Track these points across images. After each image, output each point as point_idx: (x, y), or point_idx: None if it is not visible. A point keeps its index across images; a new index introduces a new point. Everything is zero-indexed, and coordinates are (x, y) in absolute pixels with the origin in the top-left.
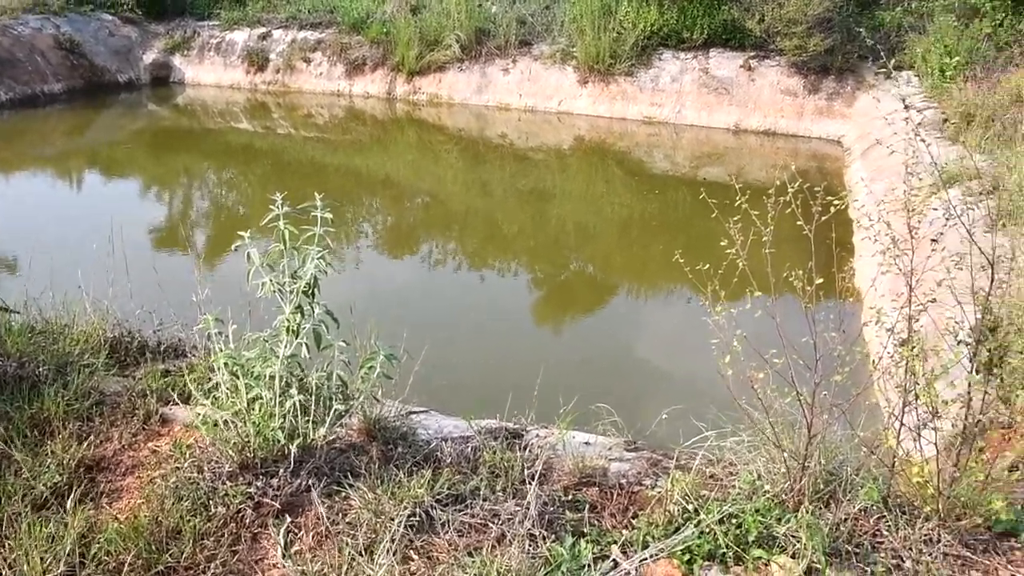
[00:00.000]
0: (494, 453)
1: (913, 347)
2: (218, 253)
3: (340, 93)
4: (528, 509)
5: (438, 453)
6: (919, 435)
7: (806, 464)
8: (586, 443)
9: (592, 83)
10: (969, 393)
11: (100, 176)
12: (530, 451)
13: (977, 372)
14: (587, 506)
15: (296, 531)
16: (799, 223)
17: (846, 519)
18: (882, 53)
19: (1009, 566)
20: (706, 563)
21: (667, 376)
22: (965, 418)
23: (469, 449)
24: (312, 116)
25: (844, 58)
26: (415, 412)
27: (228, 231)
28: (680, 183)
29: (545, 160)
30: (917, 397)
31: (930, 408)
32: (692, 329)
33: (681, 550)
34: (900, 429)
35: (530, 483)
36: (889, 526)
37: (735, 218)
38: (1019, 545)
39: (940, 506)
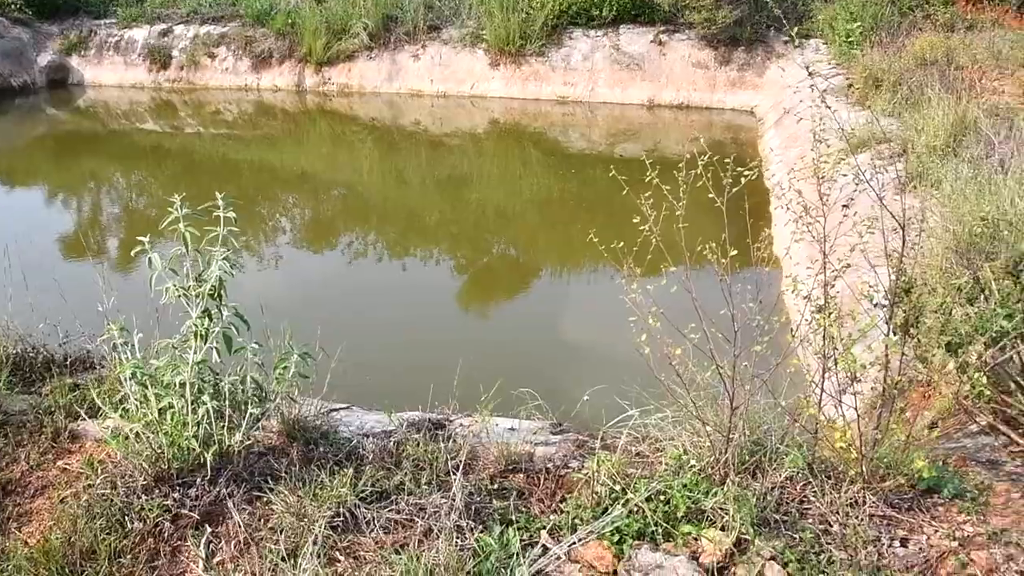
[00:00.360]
0: (417, 446)
1: (829, 313)
2: (127, 260)
3: (248, 88)
4: (454, 501)
5: (360, 450)
6: (840, 400)
7: (730, 436)
8: (511, 429)
9: (504, 65)
10: (886, 355)
11: None
12: (454, 441)
13: (894, 334)
14: (514, 493)
15: (217, 541)
16: (711, 196)
17: (773, 488)
18: (785, 23)
19: (933, 522)
20: (636, 542)
21: (591, 356)
22: (884, 380)
23: (392, 444)
24: (221, 113)
25: (753, 29)
26: (336, 409)
27: (137, 236)
28: (597, 161)
29: (461, 145)
30: (836, 363)
31: (848, 373)
32: (615, 307)
33: (610, 531)
34: (821, 395)
35: (455, 474)
36: (816, 492)
37: (647, 194)
38: (942, 501)
39: (863, 469)
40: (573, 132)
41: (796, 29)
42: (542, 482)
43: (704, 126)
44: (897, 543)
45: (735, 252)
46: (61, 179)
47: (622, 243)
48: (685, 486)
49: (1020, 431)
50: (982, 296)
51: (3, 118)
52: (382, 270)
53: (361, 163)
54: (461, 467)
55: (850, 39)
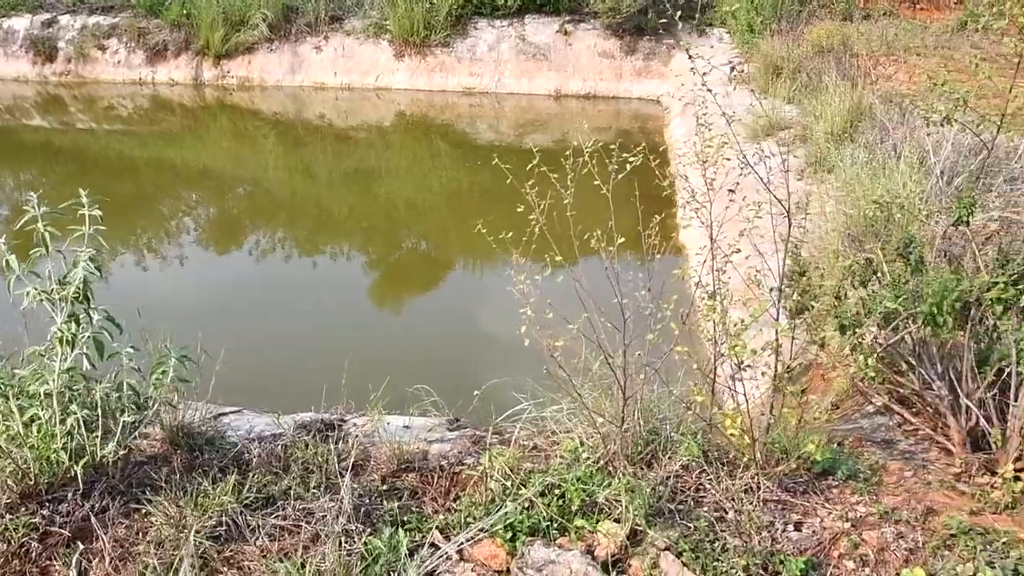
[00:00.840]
0: (306, 448)
1: (721, 299)
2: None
3: (143, 81)
4: (342, 504)
5: (246, 455)
6: (732, 387)
7: (624, 427)
8: (405, 427)
9: (409, 56)
10: (776, 340)
11: None
12: (345, 442)
13: (786, 319)
14: (407, 493)
15: (91, 558)
16: (599, 186)
17: (668, 478)
18: (672, 17)
19: (827, 504)
20: (529, 538)
21: (495, 350)
22: (775, 366)
23: (279, 447)
24: (114, 108)
25: (658, 18)
26: (225, 413)
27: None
28: (506, 152)
29: (368, 139)
30: (731, 349)
31: (735, 360)
32: (514, 300)
33: (502, 528)
34: (713, 383)
35: (343, 476)
36: (711, 480)
37: (531, 182)
38: (836, 483)
39: (756, 454)
40: (481, 123)
41: (700, 18)
42: (435, 480)
43: (612, 116)
44: (791, 527)
45: (623, 240)
46: None
47: (511, 233)
48: (579, 479)
49: (913, 410)
50: (874, 278)
51: None
52: (287, 268)
53: (265, 159)
54: (350, 469)
55: (752, 28)
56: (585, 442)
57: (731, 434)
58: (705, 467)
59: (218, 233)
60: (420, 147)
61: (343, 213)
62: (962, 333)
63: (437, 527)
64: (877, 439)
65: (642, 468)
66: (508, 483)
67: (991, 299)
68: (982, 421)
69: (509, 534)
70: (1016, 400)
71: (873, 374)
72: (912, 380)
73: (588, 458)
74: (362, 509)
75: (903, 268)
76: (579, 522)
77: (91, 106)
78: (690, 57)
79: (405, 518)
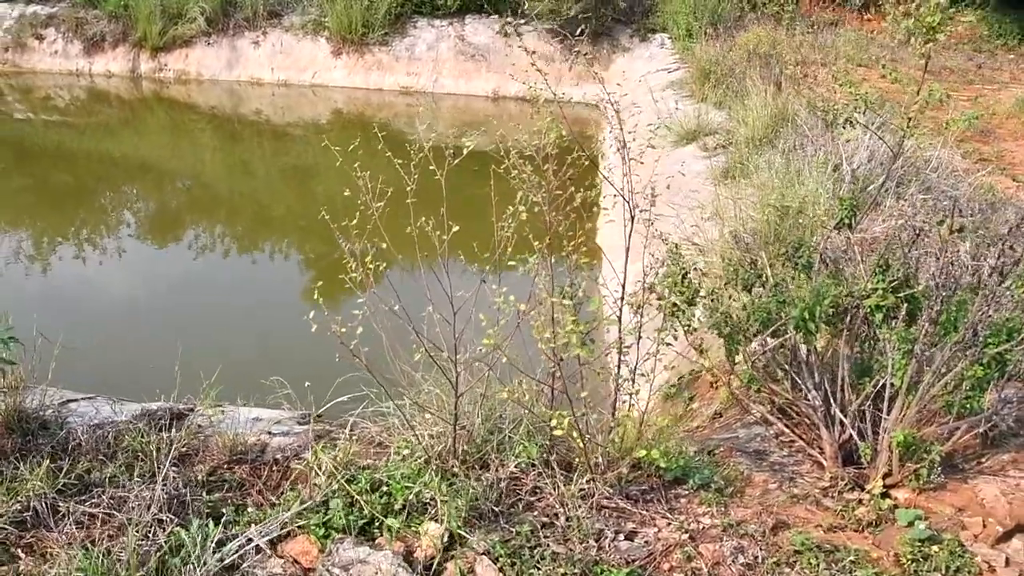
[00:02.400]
0: (138, 436)
1: (563, 296)
2: None
3: (80, 72)
4: (154, 493)
5: (78, 441)
6: (558, 388)
7: (456, 425)
8: (255, 419)
9: (347, 54)
10: (620, 341)
11: None
12: (179, 431)
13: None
14: (234, 485)
15: None
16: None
17: (501, 480)
18: (613, 21)
19: (669, 514)
20: (339, 536)
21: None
22: (616, 368)
23: (111, 434)
24: (51, 98)
25: (599, 22)
26: (76, 400)
27: None
28: (444, 153)
29: (304, 136)
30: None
31: (554, 360)
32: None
33: (316, 524)
34: (553, 383)
35: (161, 466)
36: (548, 484)
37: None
38: (686, 492)
39: (588, 458)
40: (418, 123)
41: (643, 22)
42: (266, 474)
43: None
44: (622, 536)
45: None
46: None
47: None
48: (405, 476)
49: (792, 419)
50: (758, 282)
51: None
52: (207, 263)
53: (202, 153)
54: (170, 458)
55: (691, 32)
56: (423, 439)
57: (558, 435)
58: (543, 470)
59: (146, 227)
60: (357, 146)
61: (278, 211)
62: (840, 341)
63: (253, 521)
64: (750, 449)
65: (475, 468)
66: (337, 479)
67: (870, 306)
68: (853, 434)
69: (321, 531)
70: (888, 413)
71: (748, 382)
72: (786, 389)
73: (420, 455)
74: (181, 499)
75: (794, 273)
76: (390, 522)
77: (27, 96)
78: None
79: (224, 510)
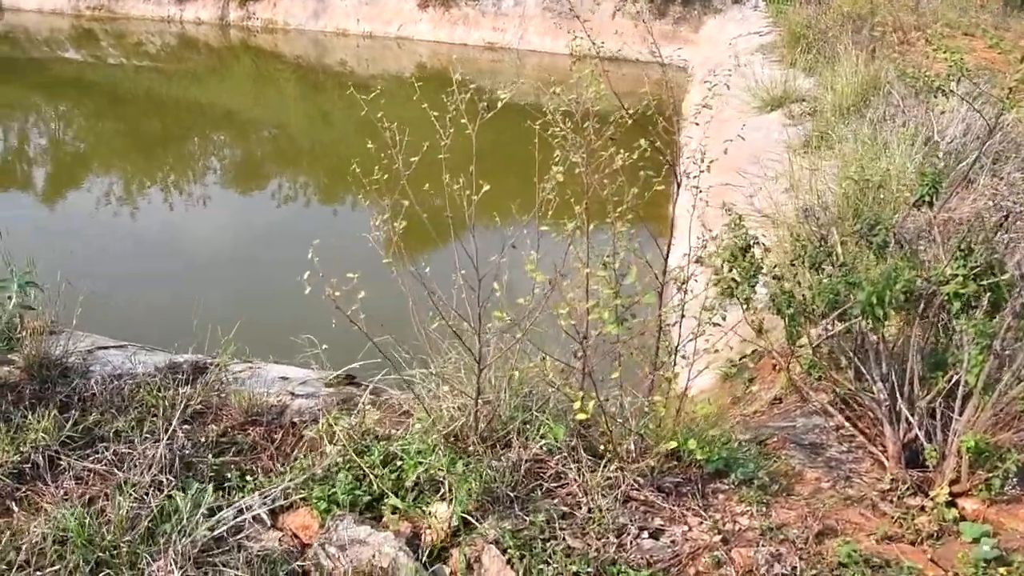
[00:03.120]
0: (153, 390)
1: (603, 266)
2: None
3: (171, 19)
4: (156, 452)
5: (92, 392)
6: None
7: (479, 399)
8: (282, 377)
9: (433, 7)
10: (660, 319)
11: None
12: (201, 387)
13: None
14: (246, 448)
15: None
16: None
17: (524, 461)
18: None
19: (704, 511)
20: (341, 512)
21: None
22: (655, 350)
23: (126, 387)
24: (143, 44)
25: None
26: (106, 347)
27: (66, 168)
28: (527, 112)
29: (388, 89)
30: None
31: (576, 339)
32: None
33: (319, 497)
34: (585, 362)
35: (170, 424)
36: (574, 470)
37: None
38: (726, 487)
39: (616, 447)
40: (501, 80)
41: None
42: (280, 438)
43: (635, 80)
44: (647, 534)
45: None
46: None
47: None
48: (420, 452)
49: (855, 412)
50: (827, 261)
51: None
52: (288, 214)
53: (286, 103)
54: (181, 415)
55: None
56: (448, 412)
57: (581, 419)
58: (569, 455)
59: (230, 175)
60: (439, 101)
61: (355, 163)
62: (914, 330)
63: (256, 489)
64: (806, 442)
65: (496, 448)
66: (350, 448)
67: (948, 294)
68: (919, 433)
69: (324, 504)
70: (960, 414)
71: (809, 368)
72: (848, 380)
73: (440, 430)
74: (186, 460)
75: (868, 252)
76: (394, 501)
77: (121, 41)
78: None
79: (228, 475)
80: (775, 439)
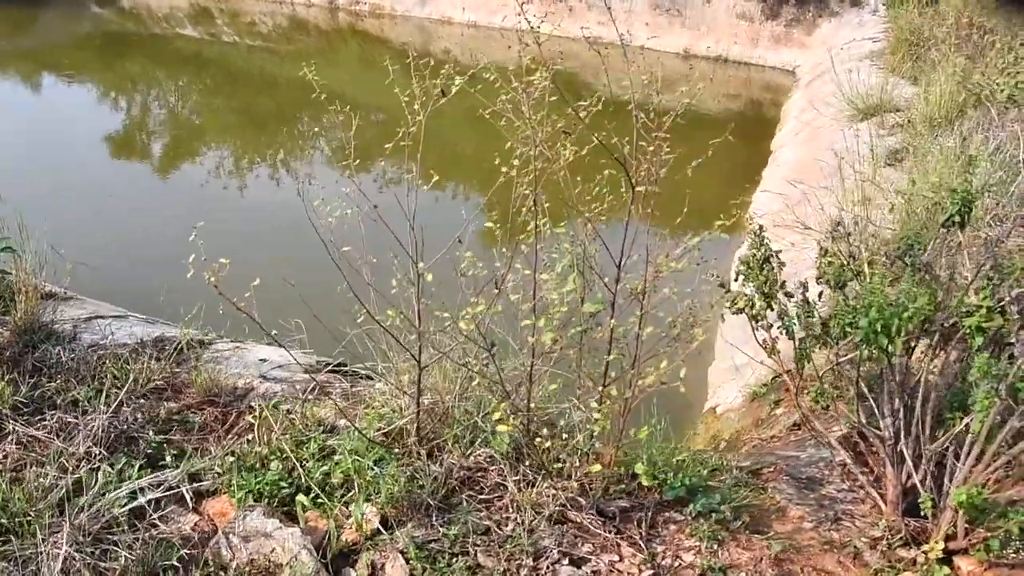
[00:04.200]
0: (119, 362)
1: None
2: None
3: (283, 0)
4: (91, 426)
5: (59, 358)
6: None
7: (420, 400)
8: (263, 359)
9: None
10: (611, 333)
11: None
12: (167, 363)
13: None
14: (194, 427)
15: None
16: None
17: (462, 469)
18: None
19: (645, 541)
20: (253, 504)
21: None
22: (606, 360)
23: (95, 356)
24: (256, 24)
25: None
26: (104, 317)
27: (182, 142)
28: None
29: (492, 79)
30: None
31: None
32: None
33: (239, 485)
34: (531, 372)
35: (122, 396)
36: (513, 484)
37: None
38: (683, 517)
39: (546, 462)
40: (604, 76)
41: None
42: (233, 420)
43: (742, 83)
44: (567, 561)
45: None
46: (107, 79)
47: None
48: (354, 449)
49: (870, 446)
50: (856, 280)
51: (52, 12)
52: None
53: (391, 88)
54: (127, 389)
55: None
56: (385, 410)
57: (500, 434)
58: (511, 466)
59: (336, 157)
60: (543, 94)
61: (464, 151)
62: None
63: (188, 471)
64: (804, 475)
65: (439, 452)
66: (287, 439)
67: (970, 327)
68: (916, 480)
69: (240, 493)
70: (962, 461)
71: (816, 397)
72: (853, 412)
73: (381, 428)
74: (127, 435)
75: (890, 271)
76: (301, 497)
77: (235, 20)
78: None
79: (166, 454)
80: (772, 469)
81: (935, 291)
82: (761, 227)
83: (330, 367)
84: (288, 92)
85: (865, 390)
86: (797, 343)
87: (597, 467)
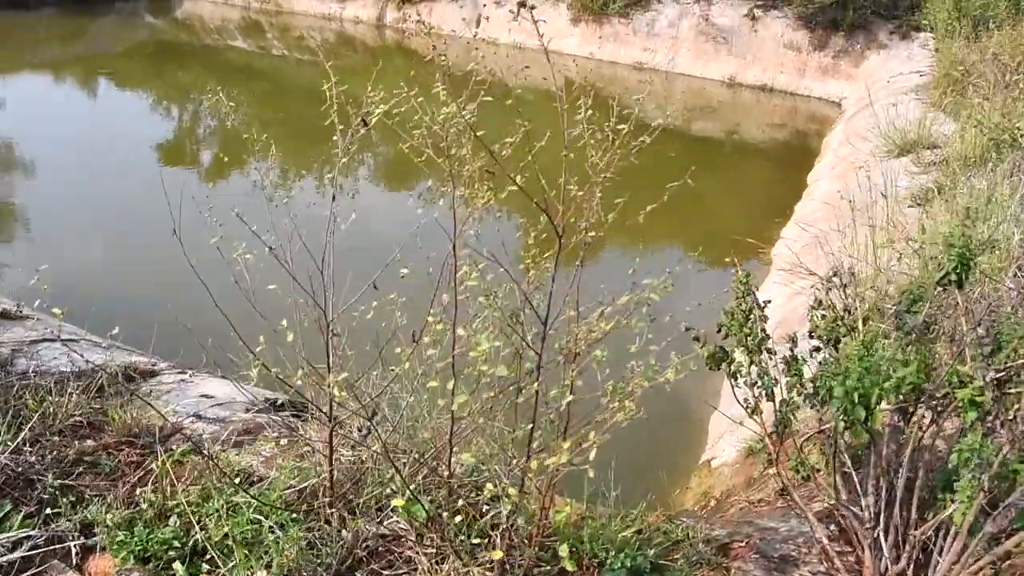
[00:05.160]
0: (39, 394)
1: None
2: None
3: (331, 16)
4: None
5: None
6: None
7: (332, 458)
8: (205, 395)
9: (585, 23)
10: (536, 399)
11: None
12: (87, 398)
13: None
14: (105, 471)
15: None
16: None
17: (369, 537)
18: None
19: None
20: (135, 565)
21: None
22: (530, 427)
23: (16, 386)
24: (304, 39)
25: (857, 13)
26: (53, 340)
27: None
28: (672, 136)
29: (534, 101)
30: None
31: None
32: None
33: (123, 542)
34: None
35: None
36: (427, 560)
37: None
38: None
39: (453, 540)
40: (648, 102)
41: (906, 19)
42: (148, 464)
43: (787, 113)
44: None
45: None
46: (158, 87)
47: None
48: (260, 509)
49: (848, 525)
50: (850, 336)
51: (105, 20)
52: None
53: (435, 107)
54: (30, 425)
55: (951, 32)
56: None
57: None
58: (424, 539)
59: (381, 174)
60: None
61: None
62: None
63: (82, 522)
64: (776, 554)
65: (355, 516)
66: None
67: (963, 400)
68: (895, 570)
69: (123, 552)
70: (944, 556)
71: (796, 467)
72: (835, 488)
73: (293, 486)
74: (25, 477)
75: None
76: (177, 567)
77: (284, 34)
78: None
79: (62, 501)
80: (745, 543)
81: (926, 357)
82: (748, 274)
83: (282, 406)
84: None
85: (848, 462)
86: (777, 405)
87: (498, 554)
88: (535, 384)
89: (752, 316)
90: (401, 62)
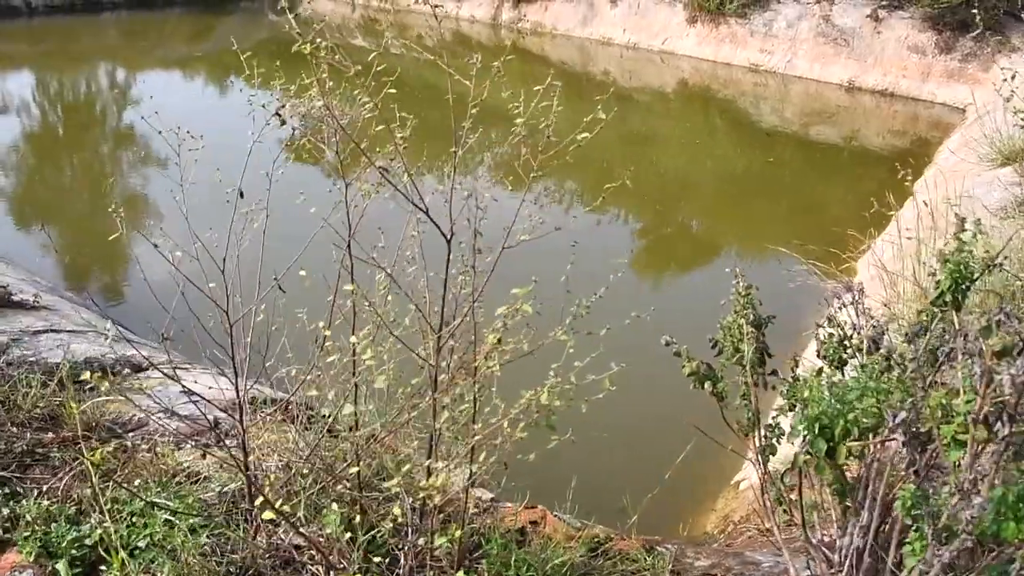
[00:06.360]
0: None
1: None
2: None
3: (447, 15)
4: None
5: None
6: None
7: (247, 463)
8: (188, 391)
9: (701, 23)
10: (434, 415)
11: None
12: (50, 391)
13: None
14: (53, 465)
15: None
16: None
17: (286, 545)
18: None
19: None
20: (36, 561)
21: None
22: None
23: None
24: (422, 37)
25: (988, 14)
26: (58, 331)
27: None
28: (789, 141)
29: (648, 103)
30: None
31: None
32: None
33: (36, 539)
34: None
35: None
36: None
37: None
38: None
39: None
40: (764, 105)
41: None
42: (99, 459)
43: (908, 119)
44: None
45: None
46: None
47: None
48: (179, 513)
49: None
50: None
51: (229, 19)
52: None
53: (549, 107)
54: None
55: None
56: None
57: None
58: (338, 551)
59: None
60: (698, 120)
61: (619, 175)
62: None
63: (12, 514)
64: None
65: (271, 525)
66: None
67: (947, 436)
68: None
69: (30, 550)
70: None
71: (776, 498)
72: (804, 527)
73: (213, 487)
74: None
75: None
76: (61, 566)
77: (402, 33)
78: None
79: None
80: None
81: (908, 388)
82: (749, 287)
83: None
84: (454, 105)
85: (831, 498)
86: (763, 432)
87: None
88: (432, 397)
89: (746, 333)
90: (516, 62)
